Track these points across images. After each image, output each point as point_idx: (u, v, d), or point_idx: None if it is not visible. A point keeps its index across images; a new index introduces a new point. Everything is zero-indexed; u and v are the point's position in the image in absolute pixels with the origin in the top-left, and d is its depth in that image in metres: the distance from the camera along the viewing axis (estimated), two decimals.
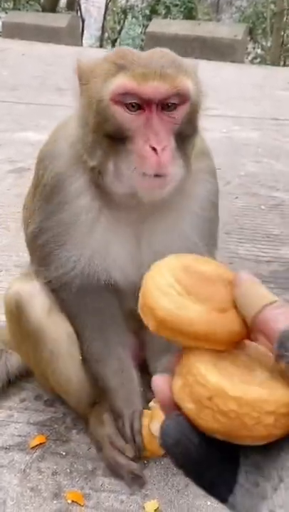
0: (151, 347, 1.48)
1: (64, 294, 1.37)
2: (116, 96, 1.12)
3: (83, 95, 1.20)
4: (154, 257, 0.59)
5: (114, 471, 1.37)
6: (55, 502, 1.30)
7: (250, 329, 0.49)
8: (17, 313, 1.39)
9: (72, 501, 1.30)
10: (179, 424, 0.47)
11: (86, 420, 1.49)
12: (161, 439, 0.48)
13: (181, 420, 0.47)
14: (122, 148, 1.15)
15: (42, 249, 1.35)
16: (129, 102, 1.13)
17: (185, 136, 1.19)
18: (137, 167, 1.14)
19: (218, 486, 0.48)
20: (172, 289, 0.50)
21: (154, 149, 1.11)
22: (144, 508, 1.29)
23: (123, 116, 1.14)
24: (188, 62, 1.23)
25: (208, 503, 1.32)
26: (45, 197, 1.31)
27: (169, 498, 1.33)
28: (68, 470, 1.39)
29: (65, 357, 1.39)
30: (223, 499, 0.48)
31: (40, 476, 1.37)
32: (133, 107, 1.13)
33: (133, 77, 1.12)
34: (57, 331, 1.38)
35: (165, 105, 1.14)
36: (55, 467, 1.40)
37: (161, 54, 1.18)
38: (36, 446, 1.45)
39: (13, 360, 1.64)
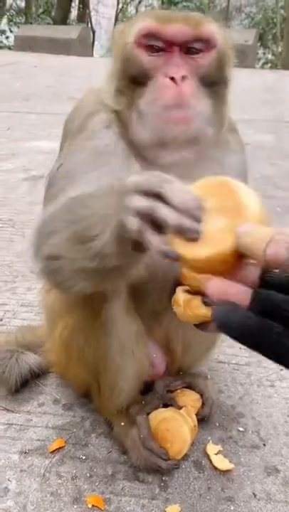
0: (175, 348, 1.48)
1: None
2: (139, 38, 1.15)
3: (115, 52, 1.24)
4: None
5: (148, 468, 1.37)
6: (75, 507, 1.28)
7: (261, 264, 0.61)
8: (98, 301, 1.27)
9: (93, 506, 1.28)
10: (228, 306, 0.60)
11: (110, 423, 1.48)
12: (216, 322, 0.59)
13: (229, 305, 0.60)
14: (145, 91, 1.15)
15: (59, 184, 1.23)
16: (152, 43, 1.15)
17: (214, 84, 1.17)
18: (157, 101, 1.12)
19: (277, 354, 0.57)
20: None
21: (173, 80, 1.10)
22: None
23: (145, 57, 1.16)
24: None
25: (232, 507, 1.28)
26: (72, 135, 1.28)
27: (191, 502, 1.30)
28: (88, 474, 1.37)
29: (129, 354, 1.35)
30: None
31: (60, 481, 1.35)
32: (157, 50, 1.15)
33: (157, 19, 1.15)
34: (129, 327, 1.34)
35: (189, 50, 1.15)
36: (74, 471, 1.38)
37: (193, 13, 1.21)
38: (55, 450, 1.44)
39: (27, 360, 1.65)
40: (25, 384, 1.66)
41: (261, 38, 16.77)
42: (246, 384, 1.71)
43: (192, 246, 0.67)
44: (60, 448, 1.44)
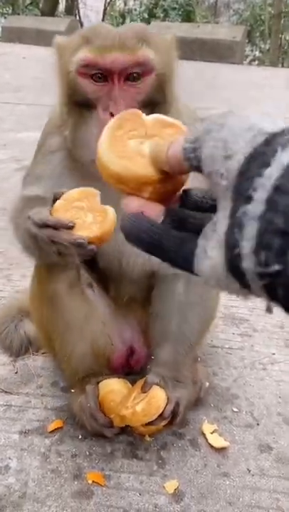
0: (153, 336, 1.50)
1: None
2: (80, 68, 1.19)
3: (58, 70, 1.28)
4: None
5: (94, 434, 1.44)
6: (76, 483, 1.31)
7: (169, 171, 0.59)
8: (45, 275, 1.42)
9: (93, 482, 1.31)
10: (137, 217, 0.60)
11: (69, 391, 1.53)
12: (123, 231, 0.60)
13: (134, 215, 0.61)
14: (88, 118, 1.23)
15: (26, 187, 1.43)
16: (94, 73, 1.19)
17: (157, 104, 1.22)
18: (97, 133, 1.14)
19: (183, 255, 0.56)
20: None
21: (112, 115, 1.13)
22: (164, 487, 1.31)
23: (88, 87, 1.21)
24: (160, 36, 1.28)
25: (227, 482, 1.33)
26: (37, 150, 1.45)
27: (188, 478, 1.34)
28: (87, 452, 1.41)
29: (76, 333, 1.43)
30: (190, 268, 0.56)
31: (60, 459, 1.38)
32: (99, 78, 1.20)
33: (93, 49, 1.18)
34: (76, 308, 1.42)
35: (129, 76, 1.19)
36: (74, 450, 1.41)
37: (130, 27, 1.26)
38: (54, 430, 1.47)
39: (27, 327, 1.75)
40: (27, 350, 1.74)
41: (249, 35, 16.85)
42: (239, 367, 1.76)
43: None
44: (59, 428, 1.47)
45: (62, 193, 1.17)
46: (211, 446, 1.43)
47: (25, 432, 1.46)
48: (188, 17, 18.29)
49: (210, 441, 1.44)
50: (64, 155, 1.36)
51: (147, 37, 1.21)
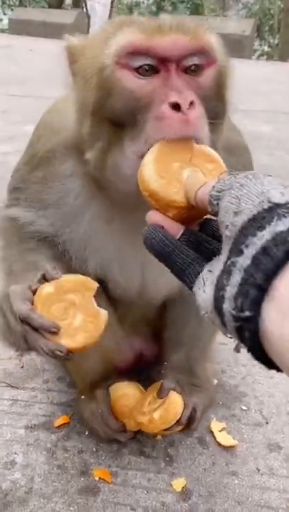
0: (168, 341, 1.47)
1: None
2: (122, 57, 0.87)
3: (77, 75, 0.99)
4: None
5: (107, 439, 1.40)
6: (82, 479, 1.30)
7: (195, 206, 0.69)
8: None
9: (100, 478, 1.30)
10: (155, 228, 0.71)
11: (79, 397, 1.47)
12: (143, 237, 0.71)
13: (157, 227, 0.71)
14: (126, 139, 0.91)
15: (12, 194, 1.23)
16: (141, 64, 0.87)
17: (212, 112, 0.91)
18: (151, 136, 0.85)
19: (187, 273, 0.67)
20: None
21: (177, 109, 0.83)
22: (171, 485, 1.29)
23: (133, 82, 0.87)
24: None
25: (236, 481, 1.31)
26: (31, 166, 1.17)
27: (196, 476, 1.32)
28: (94, 449, 1.39)
29: None
30: (190, 286, 0.67)
31: (66, 455, 1.37)
32: (147, 71, 0.88)
33: (144, 30, 0.87)
34: None
35: (186, 68, 0.89)
36: (80, 446, 1.39)
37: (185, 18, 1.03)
38: (61, 425, 1.45)
39: None
40: None
41: (258, 29, 16.69)
42: (248, 365, 1.73)
43: None
44: (65, 423, 1.46)
45: (55, 275, 0.96)
46: (220, 445, 1.41)
47: (32, 427, 1.44)
48: (196, 10, 18.14)
49: (218, 439, 1.42)
50: (82, 184, 1.10)
51: (205, 24, 0.95)
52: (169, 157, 0.78)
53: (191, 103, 0.84)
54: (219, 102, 0.96)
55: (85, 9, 19.91)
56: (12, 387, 1.58)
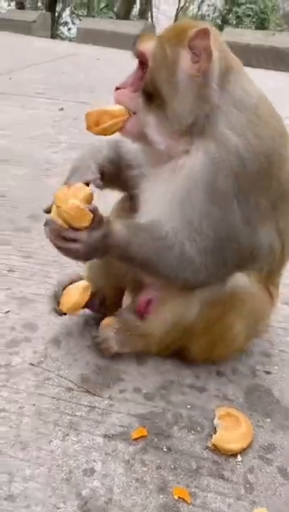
0: None
1: None
2: None
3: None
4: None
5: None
6: (161, 496, 1.28)
7: None
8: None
9: (179, 498, 1.28)
10: None
11: None
12: None
13: None
14: None
15: None
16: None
17: (156, 98, 1.43)
18: None
19: None
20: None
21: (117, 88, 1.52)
22: None
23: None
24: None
25: None
26: None
27: (277, 507, 1.28)
28: (172, 466, 1.37)
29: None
30: None
31: (144, 469, 1.36)
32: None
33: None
34: None
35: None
36: (158, 461, 1.38)
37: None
38: (138, 438, 1.44)
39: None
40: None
41: None
42: None
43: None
44: (142, 436, 1.45)
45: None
46: None
47: (110, 436, 1.45)
48: (262, 25, 17.97)
49: None
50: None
51: (166, 34, 1.50)
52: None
53: (124, 86, 1.50)
54: (156, 93, 1.43)
55: (150, 20, 20.23)
56: (89, 393, 1.60)
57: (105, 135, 1.53)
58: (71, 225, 1.39)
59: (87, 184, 1.51)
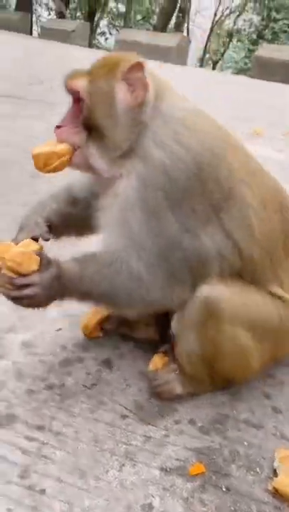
0: None
1: None
2: None
3: None
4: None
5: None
6: None
7: None
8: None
9: None
10: None
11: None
12: None
13: None
14: None
15: None
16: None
17: (95, 130, 1.49)
18: None
19: None
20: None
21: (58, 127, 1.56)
22: None
23: None
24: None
25: None
26: None
27: None
28: (232, 508, 1.33)
29: None
30: None
31: (204, 509, 1.32)
32: None
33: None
34: None
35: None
36: (218, 501, 1.34)
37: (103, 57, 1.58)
38: (196, 474, 1.41)
39: None
40: None
41: None
42: None
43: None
44: (200, 473, 1.42)
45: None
46: None
47: (167, 470, 1.42)
48: None
49: None
50: None
51: (96, 70, 1.54)
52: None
53: (63, 124, 1.55)
54: (95, 126, 1.49)
55: (186, 33, 20.39)
56: (144, 422, 1.57)
57: (55, 172, 1.57)
58: (20, 273, 1.38)
59: (36, 240, 1.55)
